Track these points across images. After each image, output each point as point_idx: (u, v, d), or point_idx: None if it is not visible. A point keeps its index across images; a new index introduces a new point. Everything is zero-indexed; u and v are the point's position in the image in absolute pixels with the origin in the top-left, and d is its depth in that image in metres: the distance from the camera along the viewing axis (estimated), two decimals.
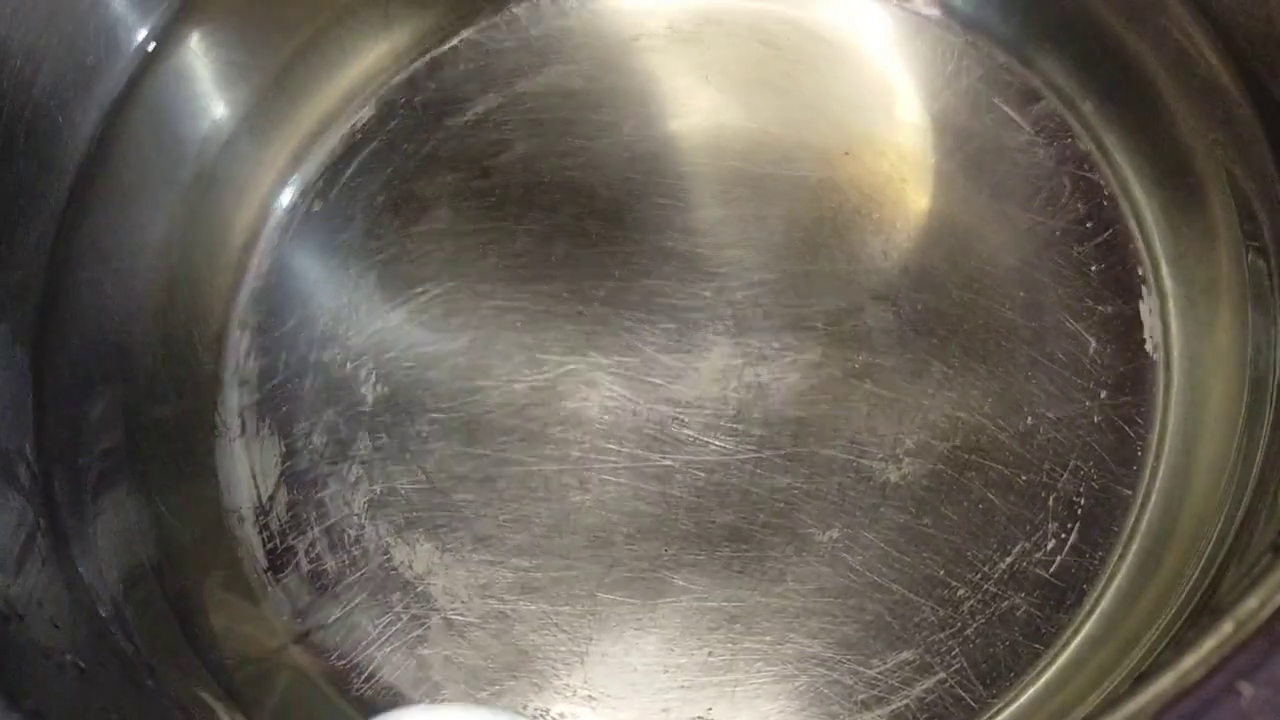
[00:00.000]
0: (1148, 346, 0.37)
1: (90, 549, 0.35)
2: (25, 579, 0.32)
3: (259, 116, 0.40)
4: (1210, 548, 0.33)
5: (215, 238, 0.40)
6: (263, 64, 0.40)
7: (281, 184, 0.40)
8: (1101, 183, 0.38)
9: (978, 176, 0.39)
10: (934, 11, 0.40)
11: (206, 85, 0.40)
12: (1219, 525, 0.33)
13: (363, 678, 0.36)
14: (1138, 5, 0.38)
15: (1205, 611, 0.31)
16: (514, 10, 0.41)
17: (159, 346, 0.38)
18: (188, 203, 0.39)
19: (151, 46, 0.38)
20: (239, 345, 0.39)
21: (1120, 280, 0.38)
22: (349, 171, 0.41)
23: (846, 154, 0.39)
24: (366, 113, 0.41)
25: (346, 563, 0.37)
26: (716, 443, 0.37)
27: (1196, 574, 0.32)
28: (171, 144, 0.39)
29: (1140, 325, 0.37)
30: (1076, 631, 0.35)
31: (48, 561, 0.34)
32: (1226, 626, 0.22)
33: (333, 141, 0.41)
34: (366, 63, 0.41)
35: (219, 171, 0.40)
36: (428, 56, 0.41)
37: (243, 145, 0.40)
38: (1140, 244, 0.38)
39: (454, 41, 0.41)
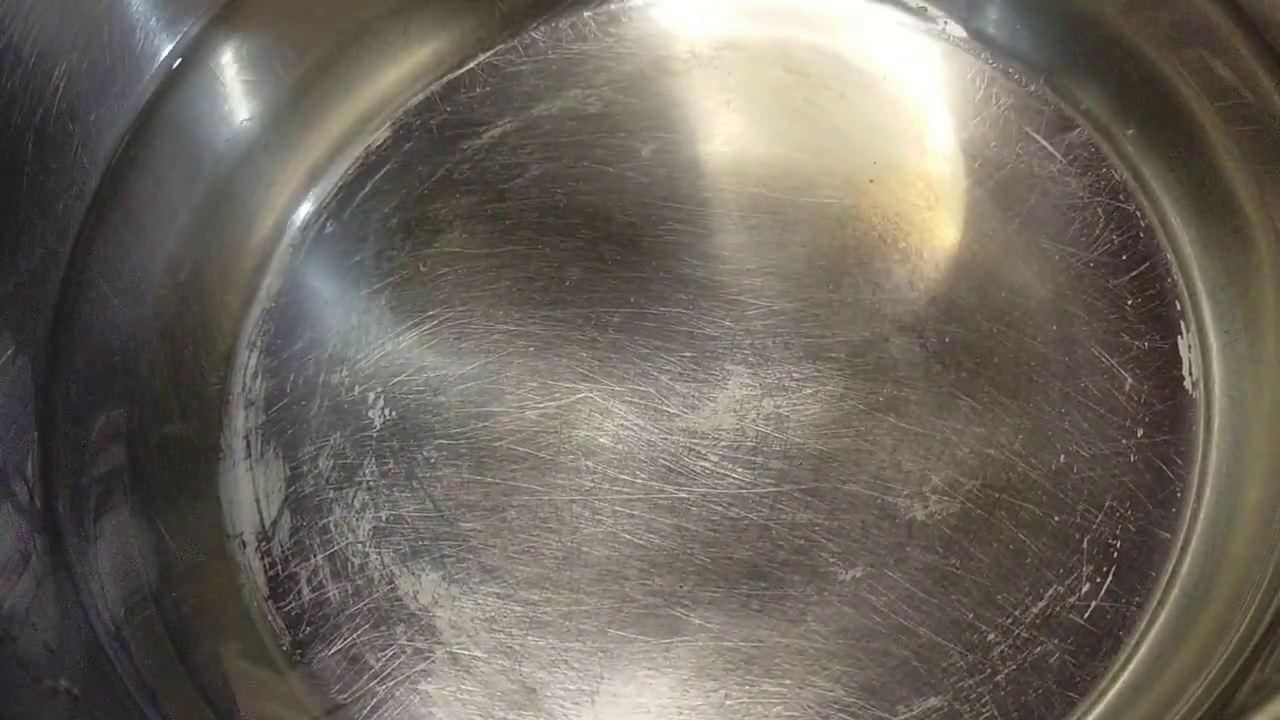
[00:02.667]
0: (1186, 383, 0.35)
1: (91, 571, 0.35)
2: (19, 599, 0.31)
3: (274, 135, 0.40)
4: (1259, 597, 0.31)
5: (226, 256, 0.39)
6: (280, 81, 0.40)
7: (295, 203, 0.40)
8: (1138, 213, 0.37)
9: (1008, 206, 0.38)
10: (964, 38, 0.39)
11: (225, 102, 0.39)
12: (1268, 573, 0.31)
13: (363, 714, 0.35)
14: (1177, 32, 0.37)
15: (1258, 665, 0.29)
16: (532, 34, 0.41)
17: (166, 366, 0.38)
18: (200, 220, 0.39)
19: (177, 63, 0.38)
20: (247, 366, 0.38)
21: (1157, 314, 0.36)
22: (363, 192, 0.40)
23: (872, 181, 0.38)
24: (382, 134, 0.40)
25: (350, 592, 0.36)
26: (734, 475, 0.36)
27: (1245, 624, 0.31)
28: (187, 160, 0.39)
29: (1179, 361, 0.36)
30: (1113, 680, 0.33)
31: (44, 582, 0.33)
32: None
33: (347, 162, 0.40)
34: (383, 84, 0.41)
35: (233, 189, 0.39)
36: (444, 79, 0.41)
37: (257, 163, 0.40)
38: (1178, 277, 0.37)
39: (471, 64, 0.41)
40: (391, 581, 0.36)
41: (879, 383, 0.36)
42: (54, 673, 0.30)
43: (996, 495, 0.35)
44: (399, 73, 0.41)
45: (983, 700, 0.33)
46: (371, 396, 0.38)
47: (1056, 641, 0.33)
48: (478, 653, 0.35)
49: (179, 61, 0.38)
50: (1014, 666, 0.33)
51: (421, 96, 0.41)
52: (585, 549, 0.35)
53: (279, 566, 0.36)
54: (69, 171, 0.36)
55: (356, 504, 0.37)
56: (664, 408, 0.36)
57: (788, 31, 0.40)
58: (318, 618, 0.36)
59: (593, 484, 0.36)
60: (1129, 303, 0.36)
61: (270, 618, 0.36)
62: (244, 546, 0.37)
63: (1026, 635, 0.33)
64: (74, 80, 0.35)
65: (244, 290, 0.39)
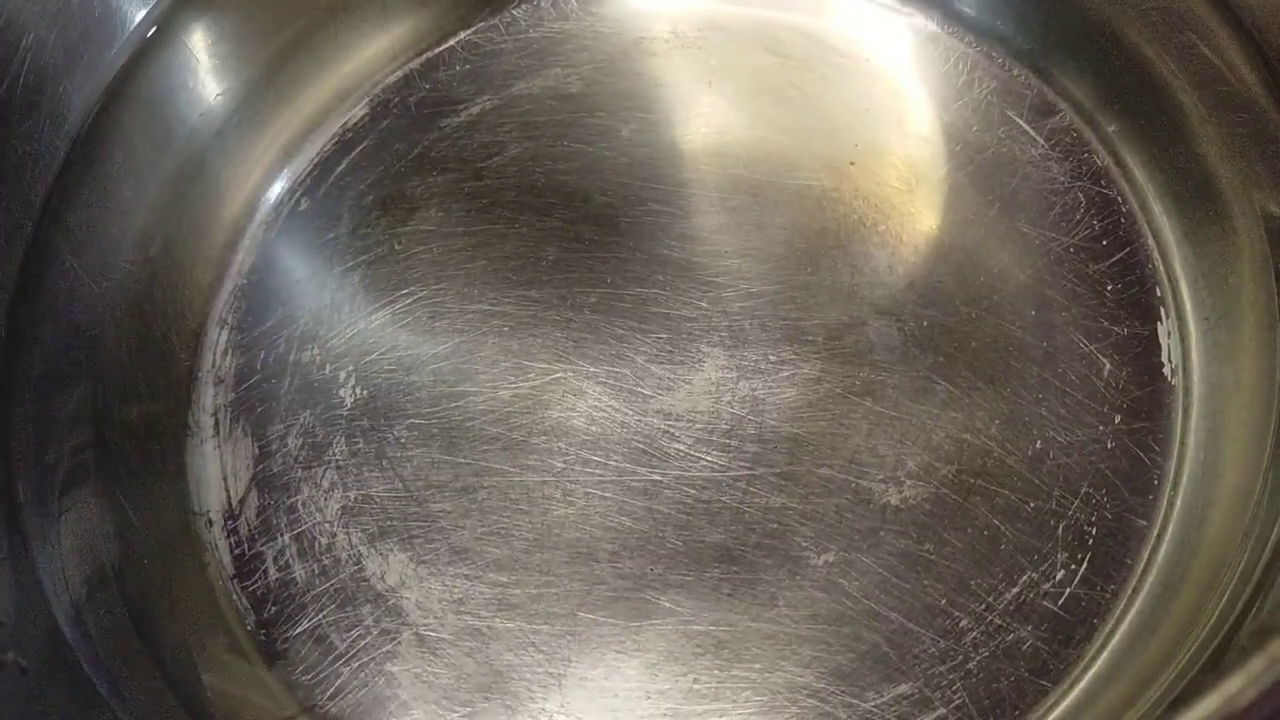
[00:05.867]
0: (1165, 370, 0.35)
1: (53, 549, 0.34)
2: None
3: (249, 110, 0.39)
4: (1233, 584, 0.31)
5: (198, 231, 0.39)
6: (255, 56, 0.39)
7: (270, 179, 0.39)
8: (1119, 199, 0.37)
9: (988, 190, 0.37)
10: (947, 21, 0.39)
11: (198, 76, 0.39)
12: (1242, 561, 0.31)
13: (328, 694, 0.34)
14: (1161, 18, 0.36)
15: (1231, 649, 0.28)
16: (513, 12, 0.40)
17: (134, 341, 0.37)
18: (172, 194, 0.38)
19: (149, 34, 0.37)
20: (217, 343, 0.38)
21: (1137, 300, 0.36)
22: (339, 169, 0.40)
23: (853, 164, 0.38)
24: (359, 111, 0.40)
25: (316, 572, 0.35)
26: (708, 458, 0.35)
27: (1218, 611, 0.30)
28: (159, 134, 0.38)
29: (1158, 348, 0.35)
30: (1086, 668, 0.32)
31: (1, 563, 0.32)
32: (1276, 646, 0.20)
33: (324, 138, 0.40)
34: (361, 60, 0.40)
35: (205, 164, 0.39)
36: (424, 56, 0.40)
37: (231, 138, 0.39)
38: (1159, 263, 0.36)
39: (451, 42, 0.40)
40: (359, 562, 0.35)
41: (856, 366, 0.36)
42: (2, 645, 0.30)
43: (972, 481, 0.34)
44: (377, 49, 0.40)
45: (954, 687, 0.33)
46: (343, 375, 0.37)
47: (1030, 628, 0.33)
48: (445, 634, 0.34)
49: (150, 34, 0.37)
50: (986, 653, 0.33)
51: (400, 73, 0.40)
52: (556, 531, 0.35)
53: (245, 545, 0.36)
54: (36, 143, 0.35)
55: (325, 483, 0.36)
56: (639, 389, 0.36)
57: (770, 13, 0.40)
58: (283, 597, 0.35)
59: (565, 465, 0.35)
60: (1109, 289, 0.36)
61: (235, 597, 0.35)
62: (210, 525, 0.36)
63: (1000, 622, 0.33)
64: (42, 51, 0.35)
65: (215, 266, 0.39)
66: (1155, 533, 0.34)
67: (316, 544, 0.36)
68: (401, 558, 0.35)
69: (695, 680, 0.33)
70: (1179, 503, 0.34)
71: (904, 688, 0.33)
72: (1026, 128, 0.38)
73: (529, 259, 0.38)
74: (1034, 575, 0.33)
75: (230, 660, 0.35)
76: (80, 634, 0.33)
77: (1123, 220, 0.37)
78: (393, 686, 0.34)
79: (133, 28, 0.37)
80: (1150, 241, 0.36)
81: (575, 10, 0.40)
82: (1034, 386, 0.35)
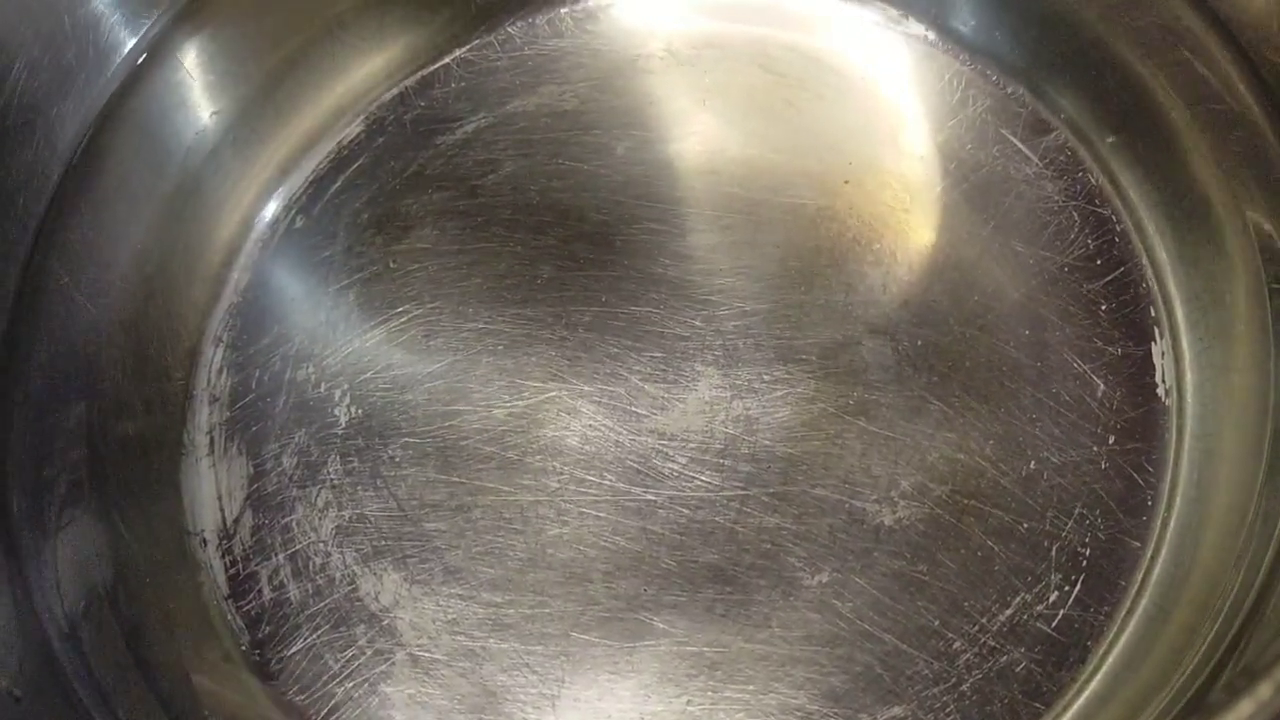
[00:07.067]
0: (1159, 390, 0.35)
1: (47, 570, 0.34)
2: None
3: (244, 128, 0.39)
4: (1227, 606, 0.31)
5: (193, 250, 0.39)
6: (250, 75, 0.39)
7: (265, 198, 0.40)
8: (1113, 218, 0.37)
9: (983, 209, 0.37)
10: (942, 39, 0.39)
11: (193, 95, 0.39)
12: (1236, 583, 0.31)
13: (321, 715, 0.34)
14: (1156, 36, 0.36)
15: (1225, 674, 0.28)
16: (508, 29, 0.40)
17: (129, 360, 0.37)
18: (167, 214, 0.38)
19: (142, 58, 0.37)
20: (212, 361, 0.38)
21: (1131, 320, 0.36)
22: (334, 187, 0.40)
23: (847, 182, 0.38)
24: (355, 128, 0.40)
25: (310, 592, 0.35)
26: (702, 478, 0.35)
27: (1213, 633, 0.30)
28: (154, 153, 0.38)
29: (1151, 368, 0.35)
30: (1080, 691, 0.32)
31: None
32: (1264, 690, 0.20)
33: (319, 156, 0.40)
34: (357, 77, 0.40)
35: (201, 183, 0.39)
36: (419, 73, 0.40)
37: (226, 157, 0.39)
38: (1153, 283, 0.36)
39: (446, 59, 0.40)
40: (353, 582, 0.35)
41: (850, 386, 0.36)
42: None
43: (965, 501, 0.34)
44: (372, 67, 0.40)
45: (947, 709, 0.33)
46: (338, 394, 0.37)
47: (1023, 650, 0.33)
48: (438, 655, 0.34)
49: (144, 56, 0.37)
50: (980, 675, 0.33)
51: (395, 91, 0.40)
52: (550, 551, 0.35)
53: (239, 565, 0.36)
54: (31, 165, 0.35)
55: (319, 502, 0.36)
56: (633, 408, 0.36)
57: (765, 31, 0.40)
58: (278, 617, 0.35)
59: (559, 485, 0.36)
60: (1103, 308, 0.36)
61: (230, 617, 0.35)
62: (205, 544, 0.36)
63: (993, 644, 0.33)
64: (35, 73, 0.35)
65: (211, 285, 0.39)
66: (1149, 554, 0.34)
67: (311, 564, 0.36)
68: (395, 578, 0.35)
69: (689, 702, 0.33)
70: (1172, 524, 0.34)
71: (897, 710, 0.33)
72: (1021, 146, 0.38)
73: (524, 277, 0.38)
74: (1027, 596, 0.33)
75: (224, 681, 0.35)
76: (73, 653, 0.33)
77: (1117, 239, 0.37)
78: (387, 707, 0.34)
79: (127, 48, 0.37)
80: (1144, 261, 0.36)
81: (570, 28, 0.40)
82: (1028, 407, 0.35)
